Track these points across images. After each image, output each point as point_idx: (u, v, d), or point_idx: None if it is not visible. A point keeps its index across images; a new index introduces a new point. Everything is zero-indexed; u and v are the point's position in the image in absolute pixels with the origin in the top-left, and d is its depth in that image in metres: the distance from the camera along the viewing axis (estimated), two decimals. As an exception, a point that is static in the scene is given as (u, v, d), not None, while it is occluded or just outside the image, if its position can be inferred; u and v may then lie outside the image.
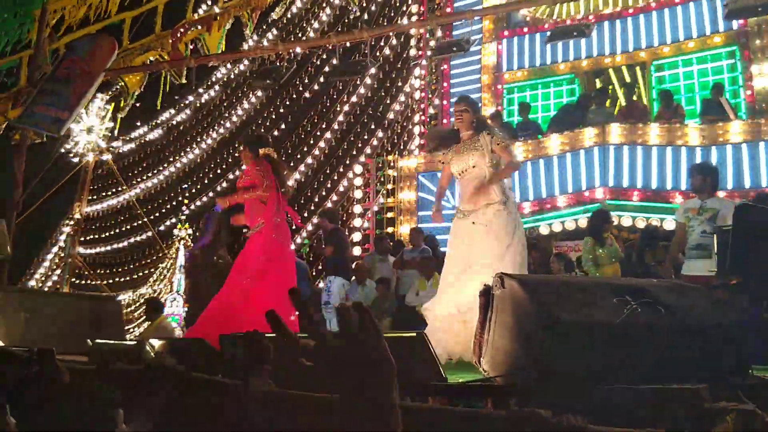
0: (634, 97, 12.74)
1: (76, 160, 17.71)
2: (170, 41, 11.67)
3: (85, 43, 9.14)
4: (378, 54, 15.40)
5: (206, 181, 17.63)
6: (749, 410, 2.06)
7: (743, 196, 9.34)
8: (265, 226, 5.65)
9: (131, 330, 16.00)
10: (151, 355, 3.86)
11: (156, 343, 3.93)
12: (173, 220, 18.30)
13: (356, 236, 12.79)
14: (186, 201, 18.80)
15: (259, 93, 16.63)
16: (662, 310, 3.07)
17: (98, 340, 3.89)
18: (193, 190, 17.75)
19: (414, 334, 3.05)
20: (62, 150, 16.42)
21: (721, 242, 3.46)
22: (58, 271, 17.88)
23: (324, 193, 15.84)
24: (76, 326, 4.73)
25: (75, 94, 8.16)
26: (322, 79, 16.12)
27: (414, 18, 15.06)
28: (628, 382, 2.76)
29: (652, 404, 2.38)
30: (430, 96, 14.77)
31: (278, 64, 9.56)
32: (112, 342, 4.06)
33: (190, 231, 18.59)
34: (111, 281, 18.52)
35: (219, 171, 17.43)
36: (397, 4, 16.32)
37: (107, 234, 18.74)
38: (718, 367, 2.88)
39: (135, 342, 4.24)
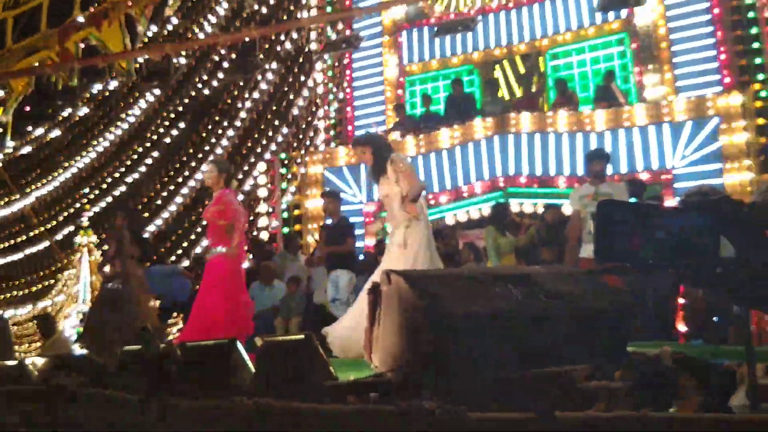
0: (533, 88, 13.08)
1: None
2: (57, 40, 11.11)
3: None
4: (279, 48, 15.21)
5: (105, 186, 16.93)
6: (617, 388, 2.16)
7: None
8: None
9: (32, 346, 15.23)
10: (35, 374, 3.72)
11: (39, 361, 3.80)
12: (72, 228, 17.50)
13: (263, 235, 12.60)
14: (87, 206, 18.01)
15: (157, 92, 16.10)
16: (545, 298, 3.16)
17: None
18: (92, 195, 17.00)
19: (302, 337, 3.02)
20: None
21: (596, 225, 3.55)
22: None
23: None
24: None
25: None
26: (217, 79, 15.79)
27: (313, 11, 14.91)
28: (515, 370, 2.82)
29: (530, 387, 2.44)
30: (333, 90, 14.66)
31: (170, 63, 9.27)
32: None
33: (93, 238, 17.80)
34: (9, 295, 17.58)
35: (118, 174, 16.79)
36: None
37: (1, 246, 17.74)
38: (600, 350, 2.98)
39: (15, 362, 4.04)
